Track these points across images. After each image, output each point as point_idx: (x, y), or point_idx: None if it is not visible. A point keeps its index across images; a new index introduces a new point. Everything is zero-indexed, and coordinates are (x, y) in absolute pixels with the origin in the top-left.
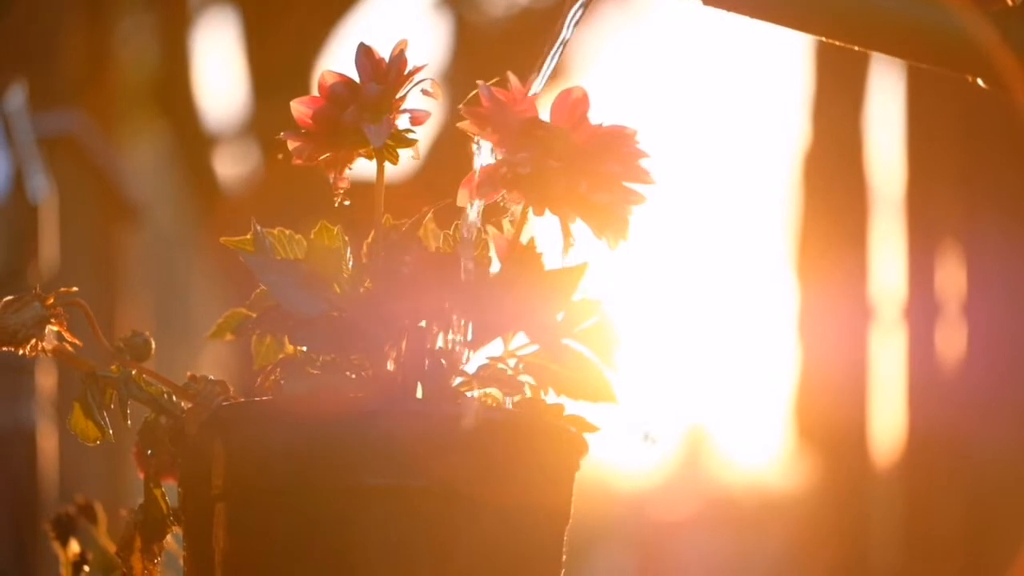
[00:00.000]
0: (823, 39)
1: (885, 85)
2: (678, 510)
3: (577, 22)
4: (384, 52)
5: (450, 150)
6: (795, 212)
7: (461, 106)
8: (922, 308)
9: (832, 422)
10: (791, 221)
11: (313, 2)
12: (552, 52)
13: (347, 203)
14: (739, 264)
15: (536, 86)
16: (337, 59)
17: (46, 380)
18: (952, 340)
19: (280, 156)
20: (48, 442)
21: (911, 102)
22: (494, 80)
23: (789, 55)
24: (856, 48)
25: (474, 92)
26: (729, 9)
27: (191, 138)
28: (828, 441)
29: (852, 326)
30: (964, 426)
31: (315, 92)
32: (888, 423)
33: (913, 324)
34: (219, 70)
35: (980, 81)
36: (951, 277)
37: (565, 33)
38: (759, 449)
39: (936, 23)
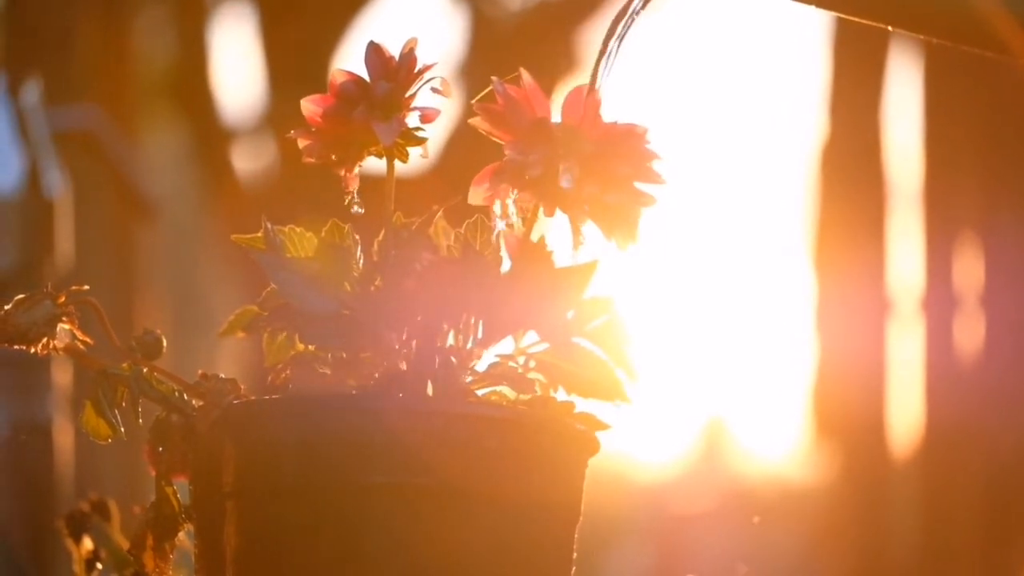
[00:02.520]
0: (846, 16)
1: (903, 78)
2: (696, 503)
3: (633, 19)
4: (395, 50)
5: (465, 145)
6: (813, 205)
7: (474, 103)
8: (940, 300)
9: (851, 414)
10: (809, 214)
11: None
12: (609, 50)
13: (356, 201)
14: (757, 257)
15: (598, 82)
16: (354, 53)
17: (62, 376)
18: (970, 332)
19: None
20: (64, 437)
21: (929, 95)
22: (511, 76)
23: (807, 48)
24: (891, 28)
25: (488, 89)
26: None
27: (207, 133)
28: (846, 433)
29: (870, 319)
30: (982, 418)
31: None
32: (906, 415)
33: (931, 316)
34: (236, 64)
35: None
36: (969, 269)
37: (622, 29)
38: (778, 442)
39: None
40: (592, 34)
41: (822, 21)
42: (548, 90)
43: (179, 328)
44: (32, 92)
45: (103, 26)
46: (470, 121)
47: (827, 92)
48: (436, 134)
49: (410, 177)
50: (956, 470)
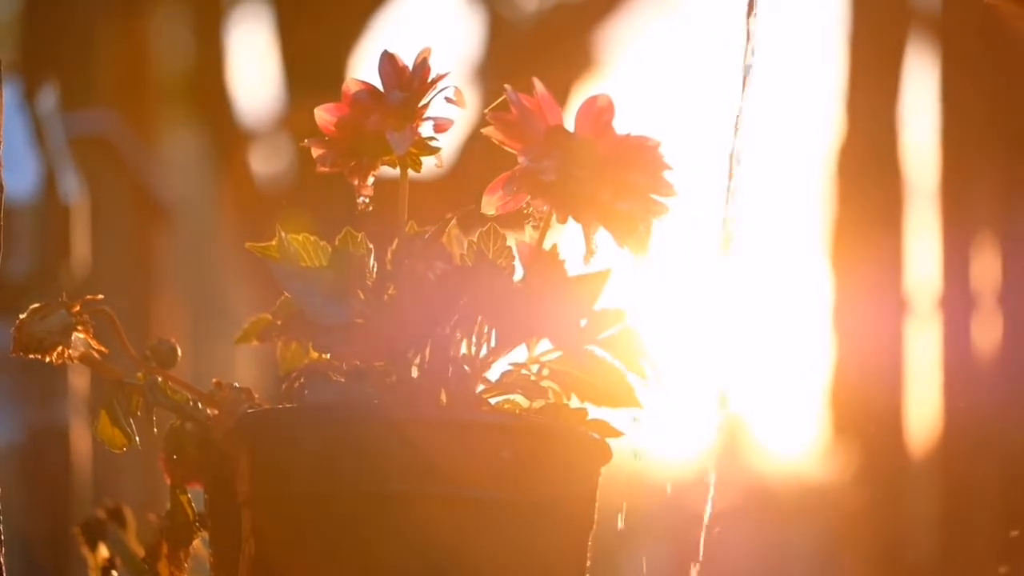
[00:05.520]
0: None
1: (920, 76)
2: (715, 501)
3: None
4: (408, 59)
5: (482, 149)
6: (831, 204)
7: (487, 112)
8: (957, 298)
9: (869, 412)
10: (827, 213)
11: None
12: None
13: (366, 201)
14: (775, 255)
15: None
16: (371, 54)
17: (79, 380)
18: (987, 330)
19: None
20: (81, 442)
21: (946, 93)
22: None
23: (824, 46)
24: None
25: (500, 99)
26: None
27: (225, 137)
28: (865, 431)
29: (888, 317)
30: (1000, 415)
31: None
32: (924, 413)
33: (948, 314)
34: (253, 68)
35: None
36: (986, 267)
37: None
38: (796, 439)
39: None
40: (608, 34)
41: (840, 19)
42: (566, 91)
43: (197, 332)
44: (49, 98)
45: (120, 32)
46: (483, 131)
47: (844, 90)
48: (453, 138)
49: (425, 180)
50: (974, 467)
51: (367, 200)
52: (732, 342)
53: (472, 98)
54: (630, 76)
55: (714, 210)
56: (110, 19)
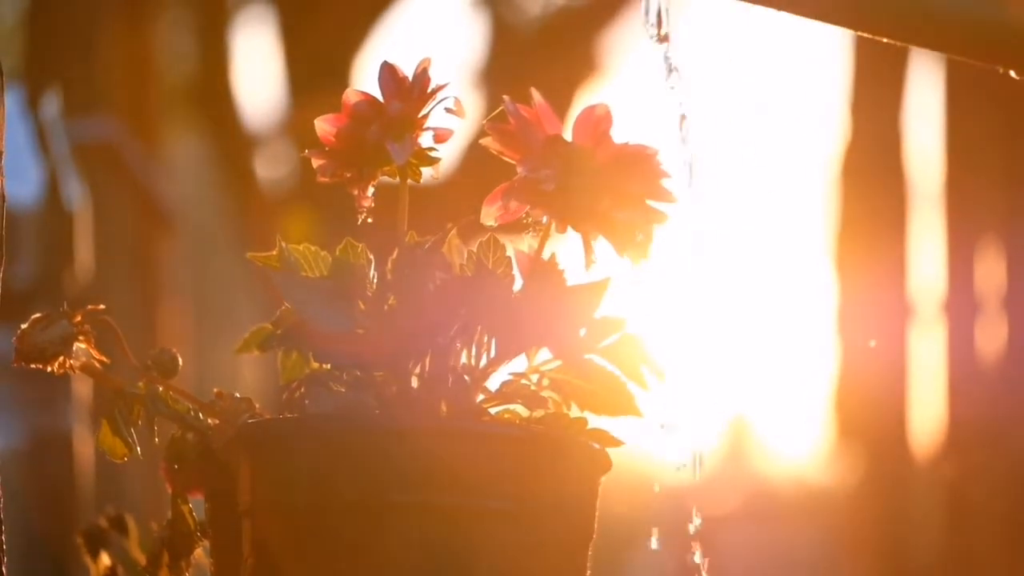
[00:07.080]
0: (859, 33)
1: (925, 81)
2: (720, 504)
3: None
4: (408, 69)
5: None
6: (835, 208)
7: (485, 122)
8: (962, 303)
9: (873, 416)
10: (831, 217)
11: (351, 2)
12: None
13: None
14: (780, 259)
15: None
16: (375, 59)
17: (82, 387)
18: (992, 335)
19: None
20: (84, 448)
21: (951, 97)
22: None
23: (828, 50)
24: (896, 42)
25: (499, 109)
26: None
27: (228, 142)
28: (869, 435)
29: (892, 321)
30: (1004, 419)
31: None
32: (928, 417)
33: (953, 319)
34: (257, 73)
35: (1013, 73)
36: (990, 272)
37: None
38: (801, 443)
39: (976, 14)
40: (613, 39)
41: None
42: (570, 96)
43: (200, 338)
44: (52, 104)
45: (123, 38)
46: (481, 141)
47: (849, 95)
48: (465, 133)
49: (431, 187)
50: (978, 471)
51: (368, 211)
52: (733, 344)
53: (477, 102)
54: (635, 81)
55: (708, 212)
56: (113, 25)
